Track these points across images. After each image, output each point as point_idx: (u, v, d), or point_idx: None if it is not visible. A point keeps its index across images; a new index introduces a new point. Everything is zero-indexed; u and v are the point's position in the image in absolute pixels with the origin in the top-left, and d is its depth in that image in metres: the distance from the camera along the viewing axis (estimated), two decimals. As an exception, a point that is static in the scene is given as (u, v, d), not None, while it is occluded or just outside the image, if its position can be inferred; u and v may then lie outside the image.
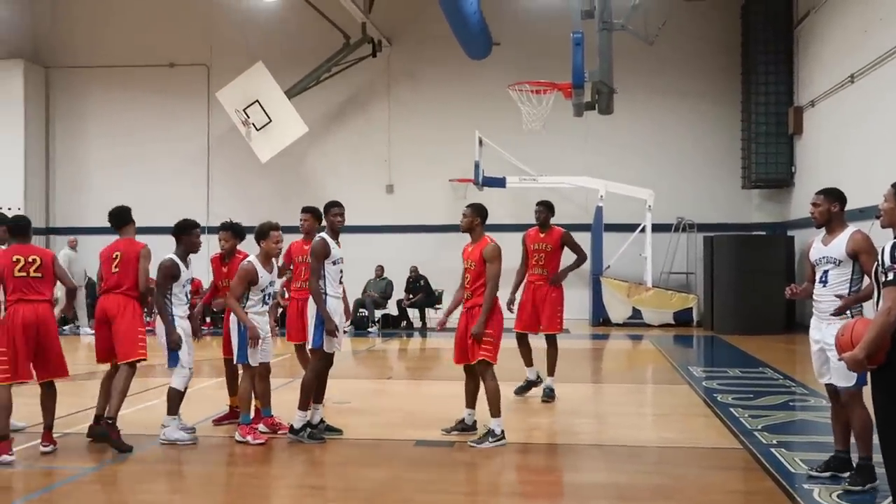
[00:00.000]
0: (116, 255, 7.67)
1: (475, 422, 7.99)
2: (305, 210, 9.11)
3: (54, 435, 7.39)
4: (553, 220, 9.97)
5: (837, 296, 6.08)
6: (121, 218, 7.93)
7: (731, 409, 9.05)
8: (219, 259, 8.82)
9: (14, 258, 7.16)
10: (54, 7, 23.31)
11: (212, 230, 9.27)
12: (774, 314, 17.22)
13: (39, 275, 7.21)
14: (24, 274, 7.15)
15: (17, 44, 22.70)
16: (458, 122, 20.94)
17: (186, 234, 7.84)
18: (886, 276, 4.94)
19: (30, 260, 7.20)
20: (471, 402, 8.03)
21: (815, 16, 17.76)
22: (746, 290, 17.34)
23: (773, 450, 7.24)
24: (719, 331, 17.69)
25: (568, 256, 9.96)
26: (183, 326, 7.72)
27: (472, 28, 17.43)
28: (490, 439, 7.51)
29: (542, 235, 9.81)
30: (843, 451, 6.34)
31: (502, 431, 7.57)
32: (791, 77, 19.35)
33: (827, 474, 6.31)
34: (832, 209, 6.25)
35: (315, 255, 7.73)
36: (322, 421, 7.91)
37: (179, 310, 7.73)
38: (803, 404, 9.68)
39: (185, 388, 7.79)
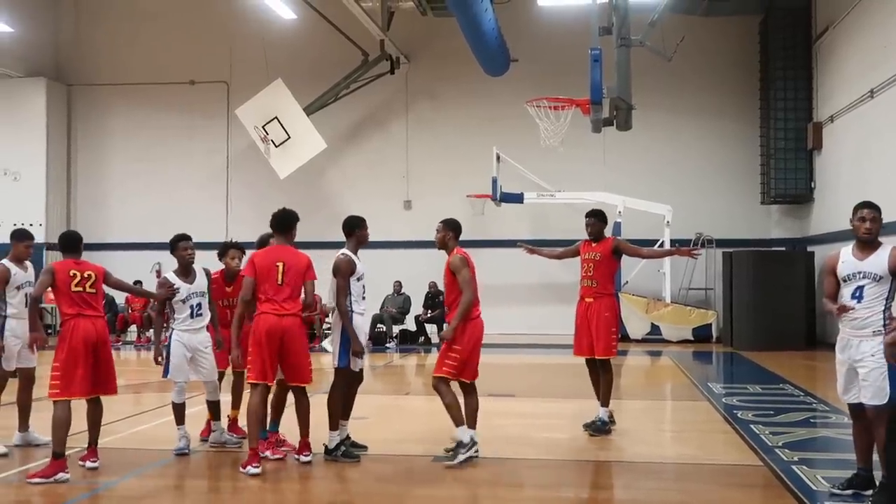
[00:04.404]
0: (280, 265, 7.54)
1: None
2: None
3: (72, 450, 7.39)
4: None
5: (871, 313, 5.99)
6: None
7: (752, 426, 8.98)
8: (221, 277, 8.60)
9: (71, 273, 7.23)
10: (76, 26, 23.64)
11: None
12: (794, 330, 17.10)
13: (94, 290, 7.32)
14: (80, 289, 7.24)
15: (39, 62, 23.02)
16: (475, 138, 20.99)
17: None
18: None
19: (85, 276, 7.29)
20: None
21: (835, 31, 17.70)
22: (766, 305, 17.22)
23: (794, 467, 7.16)
24: (739, 347, 17.56)
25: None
26: (182, 340, 7.84)
27: (490, 45, 17.48)
28: (462, 451, 7.44)
29: (593, 245, 9.09)
30: (866, 469, 6.26)
31: (471, 438, 7.49)
32: (810, 92, 19.28)
33: (849, 492, 6.23)
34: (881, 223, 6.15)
35: (341, 273, 7.70)
36: (348, 437, 7.89)
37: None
38: (824, 421, 9.58)
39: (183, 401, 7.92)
